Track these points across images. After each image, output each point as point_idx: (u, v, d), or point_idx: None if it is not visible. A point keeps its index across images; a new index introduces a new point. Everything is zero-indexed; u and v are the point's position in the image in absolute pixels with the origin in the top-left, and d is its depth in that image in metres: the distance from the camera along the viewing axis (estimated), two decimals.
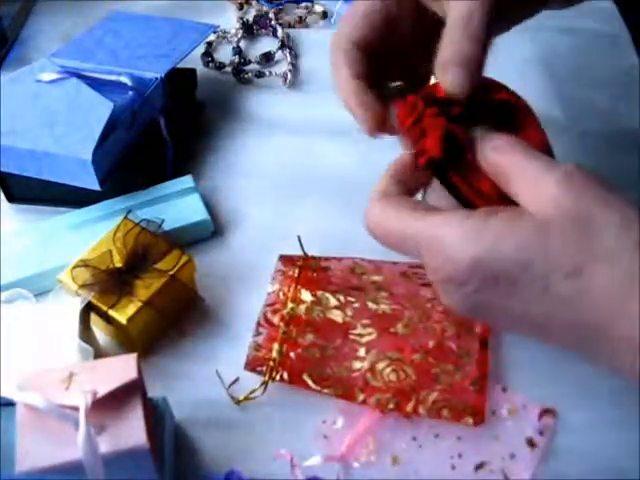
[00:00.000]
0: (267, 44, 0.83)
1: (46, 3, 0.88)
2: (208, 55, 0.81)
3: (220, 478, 0.51)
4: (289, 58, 0.80)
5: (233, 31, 0.84)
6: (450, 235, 0.37)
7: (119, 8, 0.79)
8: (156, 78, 0.67)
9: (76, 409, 0.41)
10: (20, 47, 0.83)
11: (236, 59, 0.80)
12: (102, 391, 0.42)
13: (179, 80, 0.72)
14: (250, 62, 0.80)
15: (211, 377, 0.55)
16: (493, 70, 0.44)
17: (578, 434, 0.53)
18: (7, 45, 0.82)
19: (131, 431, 0.42)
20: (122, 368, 0.44)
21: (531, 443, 0.52)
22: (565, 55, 0.80)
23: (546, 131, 0.44)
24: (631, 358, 0.35)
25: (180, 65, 0.70)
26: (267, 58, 0.81)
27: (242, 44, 0.83)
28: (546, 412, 0.54)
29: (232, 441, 0.53)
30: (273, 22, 0.84)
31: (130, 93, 0.64)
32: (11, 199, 0.67)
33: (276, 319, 0.58)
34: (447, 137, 0.41)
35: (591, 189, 0.36)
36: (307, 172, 0.70)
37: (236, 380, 0.55)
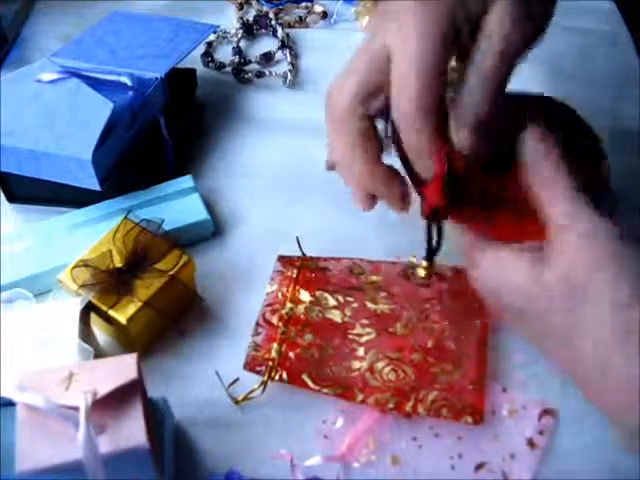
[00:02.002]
0: (267, 44, 0.83)
1: (46, 3, 0.88)
2: (208, 55, 0.81)
3: (220, 478, 0.51)
4: (289, 58, 0.80)
5: (233, 31, 0.84)
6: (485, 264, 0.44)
7: (119, 8, 0.79)
8: (156, 78, 0.67)
9: (76, 409, 0.41)
10: (20, 47, 0.83)
11: (236, 59, 0.80)
12: (102, 391, 0.42)
13: (179, 80, 0.72)
14: (250, 62, 0.80)
15: (211, 377, 0.55)
16: None
17: (578, 434, 0.53)
18: (7, 45, 0.82)
19: (131, 431, 0.42)
20: (122, 368, 0.44)
21: (531, 443, 0.52)
22: (565, 55, 0.80)
23: None
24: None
25: (180, 65, 0.70)
26: (267, 58, 0.81)
27: (242, 44, 0.83)
28: (546, 412, 0.54)
29: (232, 441, 0.53)
30: (273, 22, 0.84)
31: (130, 93, 0.64)
32: (11, 199, 0.67)
33: (275, 319, 0.58)
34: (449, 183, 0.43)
35: (599, 250, 0.38)
36: (307, 172, 0.70)
37: (236, 380, 0.55)
